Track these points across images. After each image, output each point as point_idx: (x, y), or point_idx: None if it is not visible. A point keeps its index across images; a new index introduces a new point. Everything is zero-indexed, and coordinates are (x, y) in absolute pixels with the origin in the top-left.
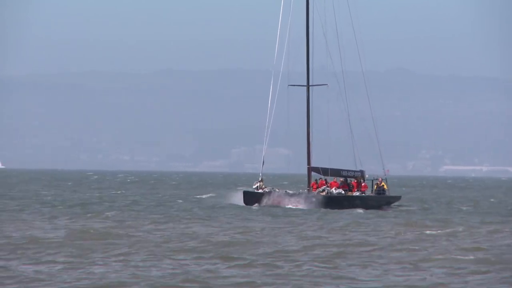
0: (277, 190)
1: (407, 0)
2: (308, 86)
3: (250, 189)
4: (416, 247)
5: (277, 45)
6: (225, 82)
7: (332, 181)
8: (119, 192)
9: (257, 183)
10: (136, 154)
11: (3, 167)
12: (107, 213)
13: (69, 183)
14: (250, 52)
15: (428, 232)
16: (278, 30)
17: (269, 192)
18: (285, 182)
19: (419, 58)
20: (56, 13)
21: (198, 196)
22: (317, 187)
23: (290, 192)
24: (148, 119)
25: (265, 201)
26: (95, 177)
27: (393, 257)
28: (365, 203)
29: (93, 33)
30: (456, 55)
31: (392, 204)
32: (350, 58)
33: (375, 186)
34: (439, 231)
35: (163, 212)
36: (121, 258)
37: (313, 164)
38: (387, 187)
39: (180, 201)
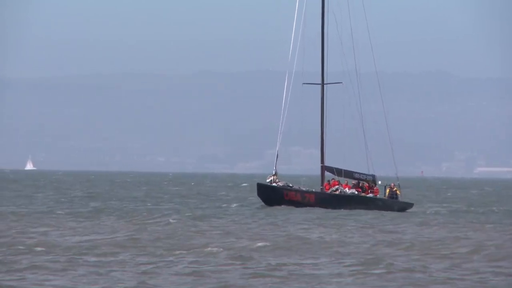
0: (290, 185)
1: (410, 2)
2: (322, 84)
3: (264, 183)
4: None
5: (291, 45)
6: (259, 83)
7: (344, 184)
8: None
9: (271, 177)
10: (171, 155)
11: (34, 168)
12: (171, 216)
13: (112, 182)
14: (283, 53)
15: None
16: (293, 30)
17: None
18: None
19: (453, 60)
20: (86, 14)
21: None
22: (330, 187)
23: (304, 189)
24: (183, 120)
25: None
26: (128, 179)
27: None
28: (384, 205)
29: (125, 34)
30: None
31: (407, 211)
32: (365, 59)
33: (388, 190)
34: None
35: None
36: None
37: (329, 164)
38: (400, 192)
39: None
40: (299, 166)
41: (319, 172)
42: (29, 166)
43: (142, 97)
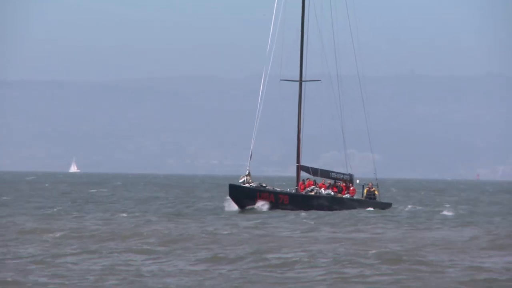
0: (264, 185)
1: (407, 5)
2: (300, 81)
3: (236, 183)
4: None
5: (268, 45)
6: (314, 86)
7: (320, 183)
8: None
9: (244, 177)
10: (225, 158)
11: (78, 171)
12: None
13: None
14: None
15: None
16: (271, 29)
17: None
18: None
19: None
20: (144, 19)
21: None
22: (305, 187)
23: (278, 189)
24: (237, 123)
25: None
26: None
27: None
28: (351, 206)
29: (181, 39)
30: None
31: (384, 211)
32: (368, 62)
33: (366, 190)
34: None
35: None
36: None
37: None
38: (378, 192)
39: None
40: (354, 170)
41: (374, 175)
42: (73, 169)
43: (197, 100)
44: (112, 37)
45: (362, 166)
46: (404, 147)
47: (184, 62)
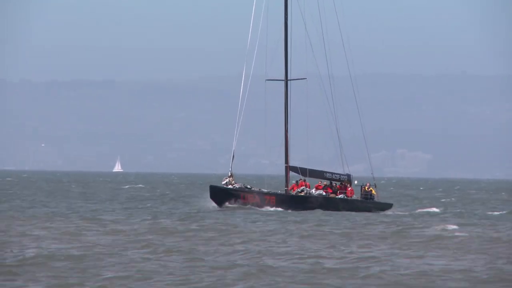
0: (248, 186)
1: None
2: (286, 80)
3: (219, 185)
4: None
5: (248, 44)
6: (367, 86)
7: (316, 184)
8: None
9: (226, 178)
10: (276, 158)
11: (121, 170)
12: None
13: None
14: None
15: None
16: (250, 29)
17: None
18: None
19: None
20: (186, 21)
21: None
22: (298, 189)
23: (264, 190)
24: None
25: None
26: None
27: None
28: (349, 206)
29: (234, 39)
30: None
31: (384, 212)
32: (362, 61)
33: (362, 191)
34: None
35: None
36: None
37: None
38: (375, 192)
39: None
40: (404, 169)
41: (424, 175)
42: (117, 168)
43: (245, 99)
44: (164, 40)
45: (413, 166)
46: (454, 147)
47: (233, 62)
